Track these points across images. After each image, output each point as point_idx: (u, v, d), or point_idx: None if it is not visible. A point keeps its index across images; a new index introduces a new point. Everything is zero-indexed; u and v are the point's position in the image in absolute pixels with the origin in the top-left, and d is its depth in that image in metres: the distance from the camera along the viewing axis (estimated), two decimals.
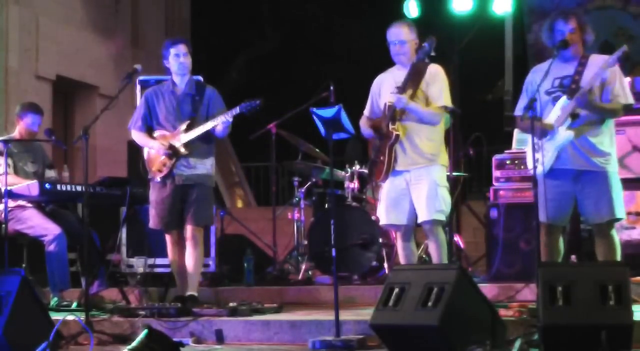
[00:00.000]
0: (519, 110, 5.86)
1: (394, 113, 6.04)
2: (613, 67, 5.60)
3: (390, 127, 6.03)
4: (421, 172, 6.02)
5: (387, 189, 6.15)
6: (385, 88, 6.20)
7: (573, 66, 5.70)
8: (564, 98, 5.62)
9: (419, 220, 6.06)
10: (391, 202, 6.11)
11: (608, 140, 5.69)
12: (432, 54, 6.02)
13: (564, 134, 5.58)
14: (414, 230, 6.25)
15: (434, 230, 6.06)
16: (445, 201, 6.06)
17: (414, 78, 6.03)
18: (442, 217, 6.07)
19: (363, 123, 6.27)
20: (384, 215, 6.17)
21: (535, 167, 5.48)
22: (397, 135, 6.02)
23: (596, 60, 5.68)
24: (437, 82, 6.08)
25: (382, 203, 6.20)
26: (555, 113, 5.64)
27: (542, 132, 5.64)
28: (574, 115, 5.58)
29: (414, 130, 6.04)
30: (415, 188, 6.03)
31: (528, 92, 5.83)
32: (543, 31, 5.85)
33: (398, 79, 6.12)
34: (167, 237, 6.71)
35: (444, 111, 6.14)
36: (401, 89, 6.01)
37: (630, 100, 5.69)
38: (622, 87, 5.65)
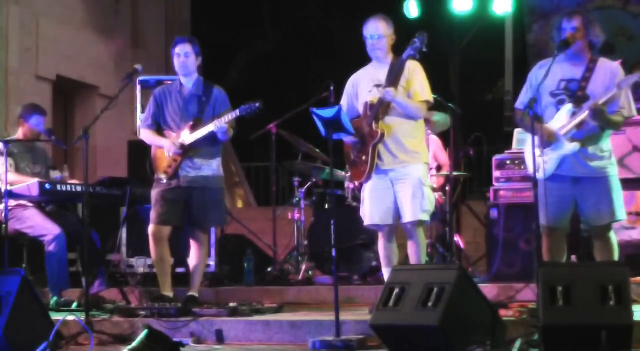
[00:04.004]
0: (519, 104, 5.83)
1: (377, 112, 6.02)
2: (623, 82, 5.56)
3: (374, 126, 6.01)
4: (405, 171, 5.98)
5: (371, 189, 6.08)
6: (362, 87, 6.16)
7: (580, 69, 5.65)
8: (569, 106, 5.58)
9: (403, 220, 6.00)
10: (376, 201, 6.05)
11: (607, 146, 5.69)
12: (424, 49, 5.98)
13: (570, 146, 5.56)
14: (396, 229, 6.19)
15: (416, 230, 6.03)
16: (430, 201, 6.02)
17: (396, 74, 6.00)
18: (427, 217, 6.05)
19: None
20: (368, 215, 6.11)
21: (535, 170, 5.46)
22: (382, 134, 5.98)
23: (604, 66, 5.63)
24: (417, 77, 6.06)
25: (365, 203, 6.13)
26: (559, 118, 5.62)
27: (547, 141, 5.62)
28: (579, 125, 5.55)
29: (397, 127, 6.00)
30: (400, 188, 5.99)
31: (531, 87, 5.77)
32: (554, 31, 5.82)
33: (375, 76, 6.08)
34: (154, 232, 6.61)
35: (427, 105, 6.13)
36: (385, 86, 5.97)
37: (634, 112, 5.68)
38: (627, 100, 5.60)
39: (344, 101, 6.26)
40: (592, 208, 5.64)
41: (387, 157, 6.01)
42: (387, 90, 5.93)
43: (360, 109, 6.16)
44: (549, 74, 5.62)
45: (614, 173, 5.70)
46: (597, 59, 5.68)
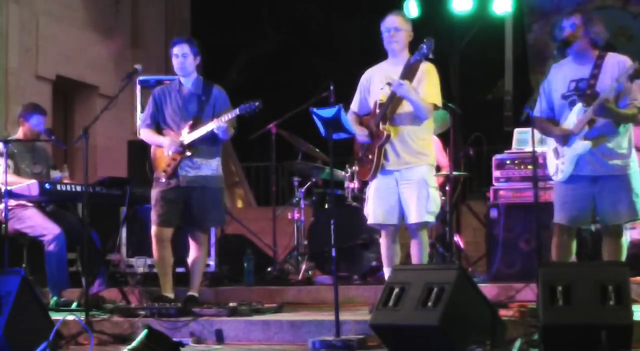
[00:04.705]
0: (537, 112, 5.75)
1: (385, 111, 6.01)
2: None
3: (381, 126, 6.00)
4: (411, 172, 5.97)
5: (376, 188, 6.08)
6: (374, 83, 6.14)
7: (588, 68, 5.63)
8: (579, 105, 5.56)
9: (408, 221, 6.00)
10: (380, 201, 6.04)
11: (626, 142, 5.62)
12: (430, 56, 5.96)
13: (582, 144, 5.54)
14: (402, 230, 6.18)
15: (419, 232, 6.03)
16: (435, 202, 6.01)
17: (408, 75, 5.98)
18: (432, 219, 6.04)
19: (351, 119, 6.17)
20: (372, 214, 6.11)
21: (535, 168, 5.46)
22: (388, 136, 5.97)
23: (612, 61, 5.60)
24: (429, 79, 6.03)
25: (369, 201, 6.13)
26: (571, 119, 5.61)
27: (564, 138, 5.62)
28: (590, 123, 5.53)
29: (405, 129, 5.99)
30: (406, 189, 5.98)
31: (545, 91, 5.76)
32: (555, 30, 5.81)
33: (388, 74, 6.06)
34: (156, 233, 6.62)
35: (434, 109, 6.10)
36: (401, 78, 5.95)
37: None
38: (639, 91, 5.56)
39: (357, 96, 6.25)
40: (610, 207, 5.60)
41: (393, 158, 6.00)
42: (402, 83, 5.90)
43: (372, 106, 6.16)
44: (560, 76, 5.65)
45: (635, 171, 5.63)
46: (605, 55, 5.64)
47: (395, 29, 6.07)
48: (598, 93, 5.52)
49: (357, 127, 6.12)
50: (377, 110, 6.06)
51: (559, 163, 5.68)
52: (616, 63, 5.59)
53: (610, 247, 5.70)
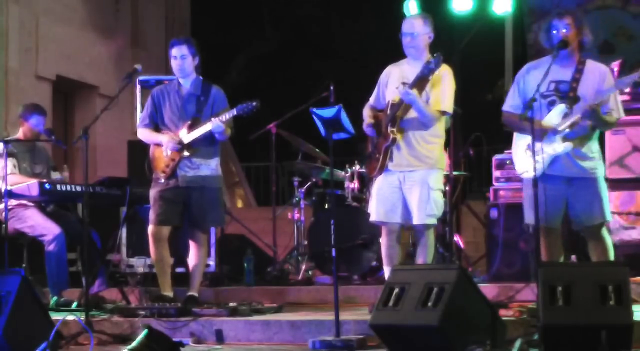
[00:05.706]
0: (509, 107, 5.84)
1: (395, 113, 6.01)
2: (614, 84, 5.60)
3: (389, 129, 6.01)
4: (415, 175, 5.96)
5: (380, 186, 6.09)
6: (392, 80, 6.12)
7: (570, 71, 5.69)
8: (562, 106, 5.61)
9: (412, 222, 6.01)
10: (383, 199, 6.05)
11: (596, 146, 5.75)
12: (436, 72, 5.92)
13: (563, 145, 5.58)
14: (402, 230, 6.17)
15: (425, 232, 6.03)
16: (437, 205, 5.99)
17: (417, 84, 5.95)
18: (434, 221, 6.03)
19: (366, 112, 6.18)
20: (374, 211, 6.12)
21: (535, 171, 5.45)
22: (394, 139, 5.97)
23: (593, 68, 5.70)
24: (442, 85, 6.00)
25: (373, 199, 6.15)
26: (551, 119, 5.64)
27: (541, 133, 5.61)
28: (572, 125, 5.57)
29: (412, 132, 5.98)
30: (408, 190, 5.98)
31: (520, 89, 5.80)
32: (541, 33, 5.84)
33: (405, 73, 6.05)
34: (153, 232, 6.61)
35: (442, 115, 6.06)
36: (410, 87, 5.94)
37: (622, 114, 5.73)
38: (615, 102, 5.67)
39: (375, 90, 6.24)
40: (585, 209, 5.68)
41: (398, 159, 6.00)
42: (408, 92, 5.89)
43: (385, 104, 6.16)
44: (537, 76, 5.63)
45: (602, 174, 5.76)
46: (585, 61, 5.73)
47: (412, 36, 6.05)
48: (579, 97, 5.60)
49: (366, 118, 6.12)
50: (389, 111, 6.06)
51: (531, 161, 5.61)
52: (597, 71, 5.69)
53: (596, 249, 5.76)
